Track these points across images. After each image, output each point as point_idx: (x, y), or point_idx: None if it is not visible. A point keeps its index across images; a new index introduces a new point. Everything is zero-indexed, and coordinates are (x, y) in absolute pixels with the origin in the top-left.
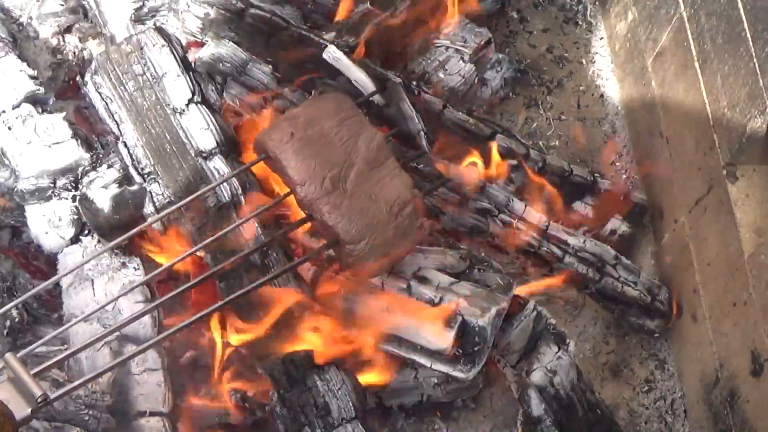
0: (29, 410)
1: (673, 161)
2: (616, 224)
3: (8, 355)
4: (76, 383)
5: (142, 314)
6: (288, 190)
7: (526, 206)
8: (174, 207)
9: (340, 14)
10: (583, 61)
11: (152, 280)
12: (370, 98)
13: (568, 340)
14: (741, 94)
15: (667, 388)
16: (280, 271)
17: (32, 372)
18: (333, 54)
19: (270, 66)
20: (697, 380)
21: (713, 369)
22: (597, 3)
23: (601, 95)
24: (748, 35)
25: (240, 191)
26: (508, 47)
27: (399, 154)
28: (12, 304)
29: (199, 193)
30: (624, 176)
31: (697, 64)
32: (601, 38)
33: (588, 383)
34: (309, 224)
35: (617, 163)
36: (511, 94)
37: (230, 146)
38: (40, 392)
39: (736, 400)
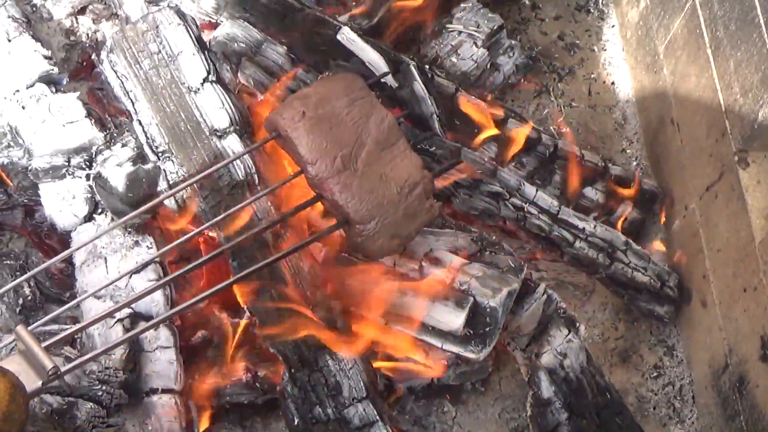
0: (40, 383)
1: (684, 148)
2: (627, 209)
3: (19, 328)
4: (87, 356)
5: (153, 290)
6: (299, 169)
7: (537, 190)
8: (186, 184)
9: None
10: (595, 49)
11: (164, 257)
12: (383, 80)
13: (578, 324)
14: (754, 80)
15: (675, 373)
16: (291, 249)
17: (43, 345)
18: (347, 35)
19: (284, 47)
20: (706, 366)
21: (722, 354)
22: None
23: (612, 82)
24: (761, 21)
25: (254, 170)
26: (520, 34)
27: (410, 135)
28: (23, 278)
29: (211, 169)
30: (635, 163)
31: (709, 51)
32: (613, 26)
33: (597, 367)
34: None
35: (628, 150)
36: (522, 80)
37: (244, 125)
38: (51, 365)
39: (746, 385)
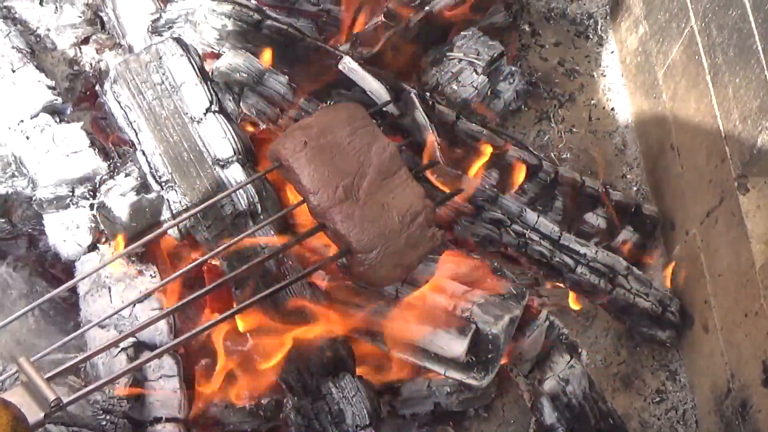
0: (42, 414)
1: (684, 173)
2: (628, 235)
3: (22, 360)
4: (90, 387)
5: (157, 320)
6: (301, 198)
7: (538, 216)
8: (189, 214)
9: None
10: (594, 75)
11: (167, 286)
12: (384, 108)
13: (580, 350)
14: (752, 107)
15: (678, 398)
16: (294, 279)
17: (46, 377)
18: (348, 65)
19: (286, 76)
20: (708, 391)
21: (725, 379)
22: (608, 17)
23: (612, 108)
24: (760, 48)
25: (257, 199)
26: (520, 60)
27: (412, 164)
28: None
29: (213, 200)
30: (635, 188)
31: (708, 77)
32: (612, 52)
33: (600, 392)
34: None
35: (628, 176)
36: (523, 106)
37: (247, 155)
38: (53, 396)
39: (748, 410)
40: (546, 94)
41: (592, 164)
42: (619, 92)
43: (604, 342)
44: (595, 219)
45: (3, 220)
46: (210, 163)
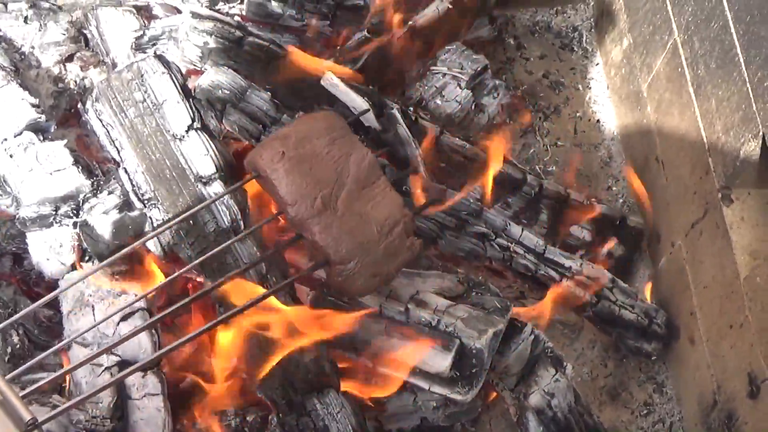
0: None
1: (669, 185)
2: (613, 247)
3: None
4: (66, 405)
5: (138, 332)
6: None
7: (522, 230)
8: (165, 227)
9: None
10: (580, 87)
11: (151, 303)
12: (367, 123)
13: (565, 363)
14: (735, 119)
15: (665, 411)
16: (272, 290)
17: (21, 394)
18: (330, 80)
19: (268, 93)
20: (695, 403)
21: (711, 391)
22: (592, 30)
23: (598, 121)
24: (741, 60)
25: (239, 216)
26: (505, 73)
27: (390, 174)
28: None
29: (189, 212)
30: (621, 200)
31: (691, 89)
32: (597, 64)
33: (585, 406)
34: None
35: (614, 188)
36: (508, 119)
37: (229, 172)
38: (28, 416)
39: (734, 422)
40: (531, 107)
41: (578, 177)
42: (604, 105)
43: (590, 354)
44: (580, 231)
45: None
46: (192, 180)
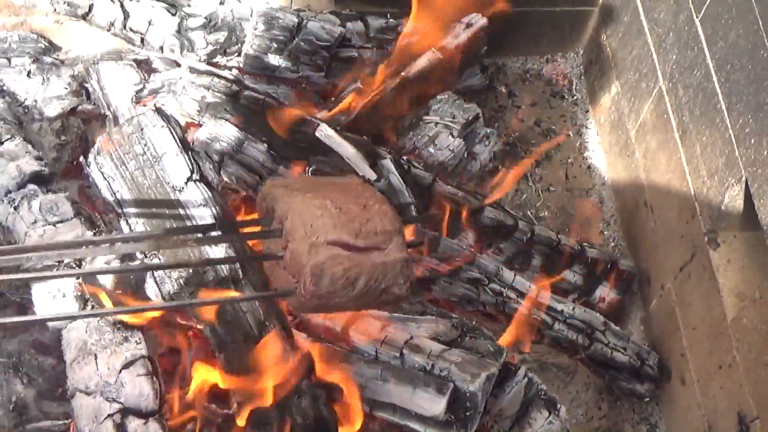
0: None
1: (657, 229)
2: (605, 291)
3: None
4: None
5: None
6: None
7: (515, 275)
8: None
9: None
10: (570, 134)
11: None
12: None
13: (559, 405)
14: (719, 164)
15: None
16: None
17: None
18: (325, 132)
19: (265, 144)
20: None
21: (703, 431)
22: (582, 77)
23: (588, 166)
24: (723, 107)
25: (238, 265)
26: (497, 121)
27: None
28: None
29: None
30: (612, 244)
31: (677, 135)
32: (587, 111)
33: None
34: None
35: (605, 232)
36: (500, 166)
37: (228, 222)
38: None
39: None
40: (523, 154)
41: (570, 222)
42: (594, 150)
43: (585, 396)
44: (572, 276)
45: None
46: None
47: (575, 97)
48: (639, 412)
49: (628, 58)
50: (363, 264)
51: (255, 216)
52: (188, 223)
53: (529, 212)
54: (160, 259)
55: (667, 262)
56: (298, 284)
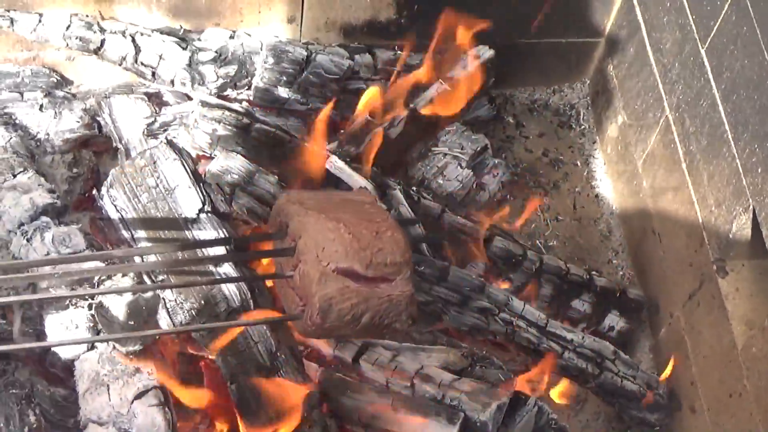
0: None
1: (665, 258)
2: (614, 320)
3: None
4: None
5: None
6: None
7: (524, 305)
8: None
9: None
10: (578, 163)
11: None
12: None
13: None
14: (726, 193)
15: None
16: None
17: None
18: (335, 164)
19: (275, 176)
20: None
21: None
22: (589, 107)
23: (596, 195)
24: (730, 137)
25: (249, 296)
26: (505, 152)
27: None
28: None
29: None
30: (621, 273)
31: (684, 165)
32: (594, 141)
33: None
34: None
35: (614, 261)
36: (508, 196)
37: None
38: None
39: None
40: (531, 184)
41: (579, 251)
42: (602, 180)
43: (595, 425)
44: (581, 305)
45: (3, 321)
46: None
47: (582, 128)
48: None
49: (635, 89)
50: (370, 300)
51: (267, 231)
52: (199, 254)
53: (537, 241)
54: (171, 290)
55: (675, 290)
56: (305, 309)
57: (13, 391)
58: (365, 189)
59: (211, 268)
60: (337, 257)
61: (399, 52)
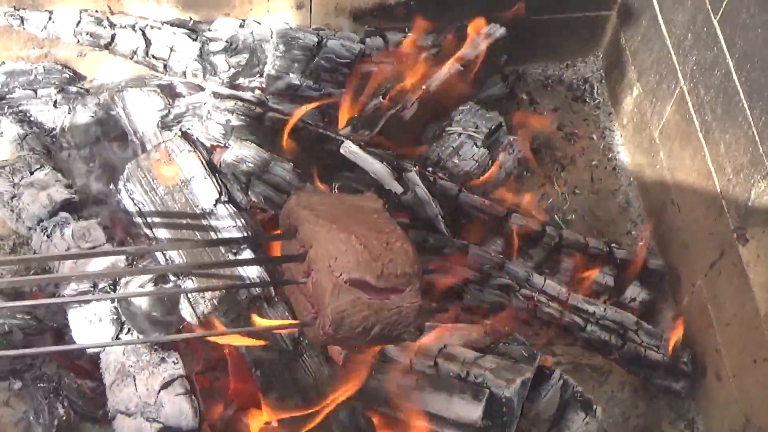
0: None
1: (685, 228)
2: (636, 291)
3: None
4: None
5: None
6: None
7: (545, 279)
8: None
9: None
10: (594, 137)
11: (190, 370)
12: (387, 187)
13: (594, 406)
14: (743, 161)
15: None
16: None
17: None
18: (349, 148)
19: (291, 163)
20: None
21: (740, 426)
22: (603, 81)
23: (614, 168)
24: (745, 105)
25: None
26: (520, 128)
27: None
28: None
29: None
30: (641, 244)
31: (700, 135)
32: (609, 114)
33: None
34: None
35: (633, 232)
36: (525, 173)
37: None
38: None
39: None
40: (548, 159)
41: (598, 224)
42: (619, 152)
43: (621, 396)
44: (602, 277)
45: (29, 317)
46: (223, 251)
47: (597, 101)
48: (676, 409)
49: (648, 60)
50: (380, 312)
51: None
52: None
53: (556, 216)
54: (192, 280)
55: (696, 259)
56: (316, 317)
57: (42, 384)
58: (373, 194)
59: (231, 257)
60: (350, 268)
61: (410, 34)
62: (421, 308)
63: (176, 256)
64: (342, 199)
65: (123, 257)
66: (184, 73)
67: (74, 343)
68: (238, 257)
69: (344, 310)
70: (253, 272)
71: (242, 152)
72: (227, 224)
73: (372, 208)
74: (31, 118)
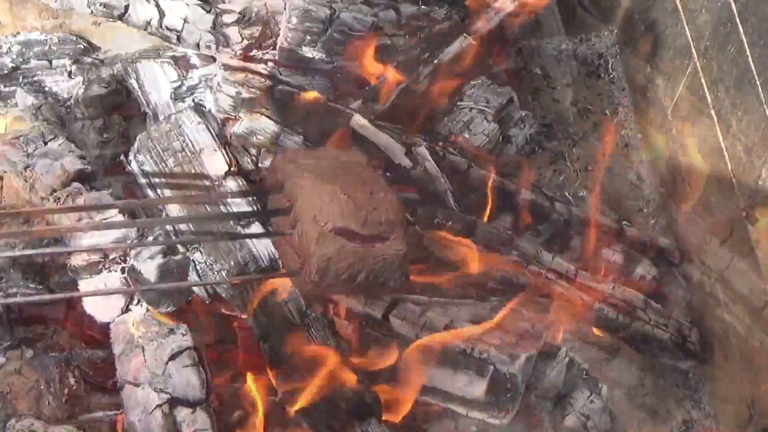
0: None
1: (696, 206)
2: (646, 269)
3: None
4: None
5: None
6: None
7: (554, 256)
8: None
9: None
10: (607, 113)
11: (200, 342)
12: (394, 159)
13: (600, 384)
14: (755, 139)
15: (704, 427)
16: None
17: None
18: (358, 121)
19: (301, 135)
20: (732, 418)
21: (746, 406)
22: (617, 56)
23: (626, 144)
24: (758, 83)
25: (278, 255)
26: (533, 102)
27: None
28: None
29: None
30: (652, 222)
31: (712, 112)
32: (623, 89)
33: (622, 427)
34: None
35: (644, 210)
36: (537, 148)
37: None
38: None
39: None
40: (560, 135)
41: (609, 201)
42: (631, 128)
43: (628, 374)
44: (611, 255)
45: (41, 287)
46: (231, 223)
47: (611, 76)
48: (683, 388)
49: (662, 36)
50: (365, 259)
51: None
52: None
53: (567, 192)
54: (201, 252)
55: (706, 237)
56: (303, 268)
57: (53, 354)
58: (357, 150)
59: (240, 230)
60: (334, 217)
61: (423, 6)
62: (406, 256)
63: (184, 227)
64: (327, 154)
65: (134, 229)
66: (198, 45)
67: (83, 312)
68: (247, 229)
69: (329, 258)
70: (261, 248)
71: (252, 125)
72: (236, 195)
73: (356, 162)
74: (46, 89)
